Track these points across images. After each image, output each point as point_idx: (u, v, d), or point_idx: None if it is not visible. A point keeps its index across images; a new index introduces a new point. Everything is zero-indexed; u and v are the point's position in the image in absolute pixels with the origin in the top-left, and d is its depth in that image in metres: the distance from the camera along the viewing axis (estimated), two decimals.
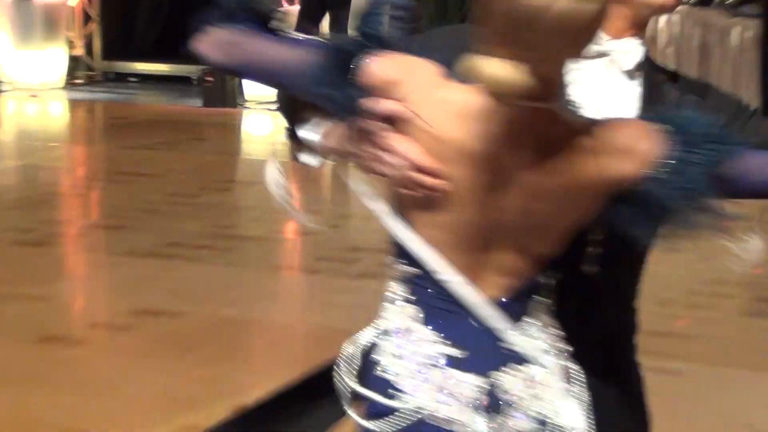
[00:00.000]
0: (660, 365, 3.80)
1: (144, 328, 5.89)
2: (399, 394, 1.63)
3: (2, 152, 10.42)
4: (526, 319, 1.69)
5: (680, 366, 4.42)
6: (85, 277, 7.19)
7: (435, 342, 1.64)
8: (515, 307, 1.66)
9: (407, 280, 1.69)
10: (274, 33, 1.75)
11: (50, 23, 12.26)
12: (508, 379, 1.61)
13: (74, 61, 12.84)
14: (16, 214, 8.02)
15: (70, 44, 12.72)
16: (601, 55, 1.70)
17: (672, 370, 4.17)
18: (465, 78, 1.50)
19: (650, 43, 9.26)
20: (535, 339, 1.69)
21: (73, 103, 12.20)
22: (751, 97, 9.67)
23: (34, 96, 12.10)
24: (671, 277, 5.27)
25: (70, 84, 12.54)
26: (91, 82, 13.11)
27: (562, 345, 1.70)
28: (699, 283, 5.63)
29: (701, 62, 10.08)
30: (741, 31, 10.36)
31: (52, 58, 12.42)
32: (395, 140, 1.57)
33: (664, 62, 9.03)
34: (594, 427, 1.70)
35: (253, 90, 11.01)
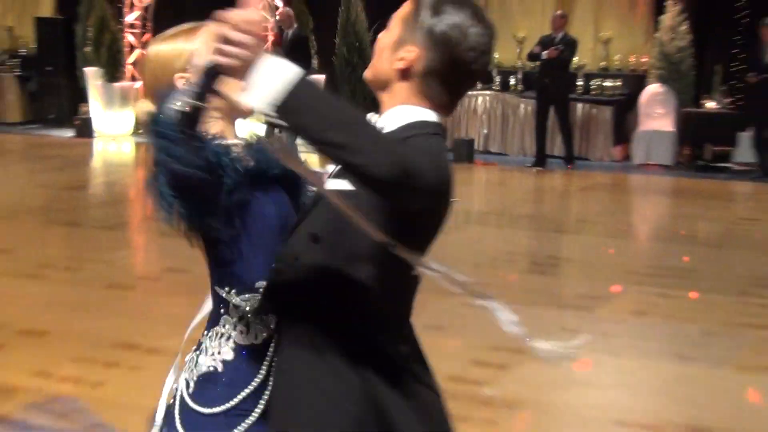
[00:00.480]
0: None
1: (170, 279, 7.38)
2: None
3: (95, 171, 13.49)
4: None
5: None
6: (135, 248, 9.02)
7: None
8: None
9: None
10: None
11: (124, 96, 15.29)
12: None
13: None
14: (100, 209, 10.47)
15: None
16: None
17: None
18: None
19: (471, 114, 13.81)
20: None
21: (137, 145, 14.71)
22: (531, 147, 13.54)
23: (113, 140, 15.33)
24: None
25: (135, 133, 15.07)
26: None
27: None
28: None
29: (503, 125, 14.22)
30: (525, 107, 14.14)
31: (125, 117, 15.33)
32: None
33: (481, 125, 13.58)
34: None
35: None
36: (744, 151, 12.99)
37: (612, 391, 5.32)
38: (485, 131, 14.12)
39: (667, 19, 13.47)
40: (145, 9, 16.14)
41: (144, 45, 15.85)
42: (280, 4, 14.88)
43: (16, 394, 4.82)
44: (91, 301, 6.64)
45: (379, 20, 4.94)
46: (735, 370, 5.63)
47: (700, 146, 13.36)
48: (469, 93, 13.85)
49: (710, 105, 13.51)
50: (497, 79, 14.70)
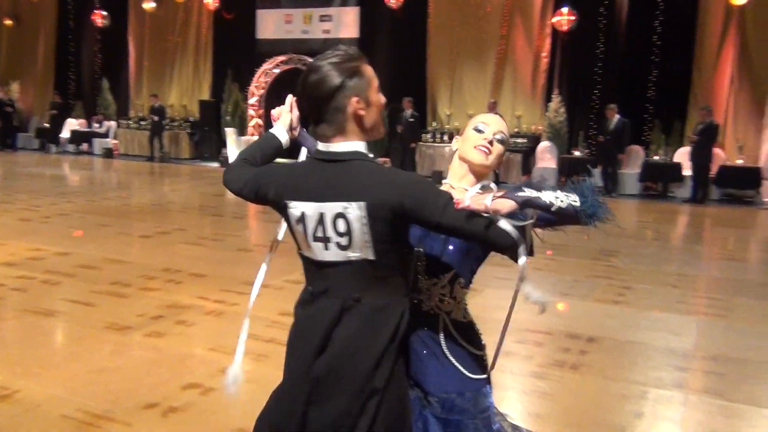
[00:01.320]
0: None
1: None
2: None
3: None
4: None
5: None
6: (252, 228, 9.10)
7: None
8: None
9: None
10: None
11: (246, 143, 16.95)
12: None
13: None
14: (234, 207, 10.36)
15: None
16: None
17: None
18: None
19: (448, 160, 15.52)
20: None
21: None
22: None
23: None
24: None
25: None
26: None
27: None
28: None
29: None
30: None
31: None
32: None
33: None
34: None
35: None
36: (596, 179, 12.62)
37: (523, 314, 6.12)
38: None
39: (553, 104, 14.37)
40: (260, 96, 17.08)
41: (259, 116, 17.02)
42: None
43: (187, 310, 5.17)
44: (228, 258, 6.89)
45: None
46: (594, 302, 5.75)
47: (571, 176, 14.49)
48: (441, 144, 14.65)
49: (577, 153, 14.03)
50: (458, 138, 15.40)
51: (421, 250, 1.90)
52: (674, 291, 6.29)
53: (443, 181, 2.03)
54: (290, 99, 2.04)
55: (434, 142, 15.39)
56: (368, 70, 1.74)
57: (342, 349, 1.71)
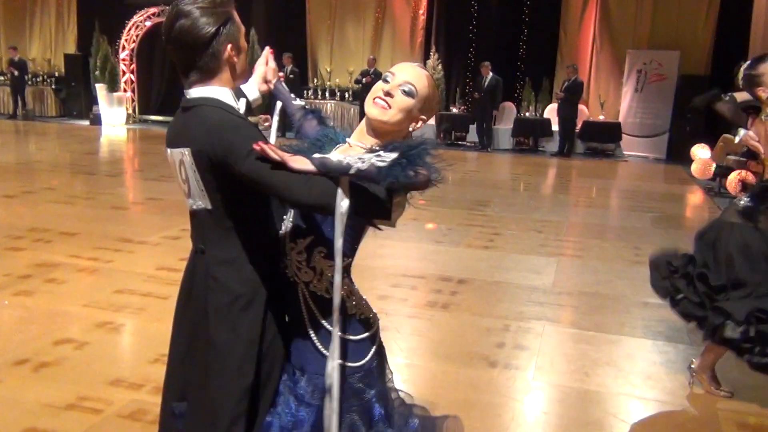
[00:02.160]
0: None
1: (150, 204, 8.50)
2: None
3: (102, 145, 13.01)
4: None
5: None
6: (128, 186, 8.96)
7: None
8: None
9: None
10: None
11: (118, 100, 15.81)
12: None
13: (128, 115, 16.04)
14: (106, 165, 10.05)
15: (127, 108, 16.08)
16: None
17: None
18: None
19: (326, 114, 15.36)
20: None
21: (127, 130, 15.11)
22: None
23: (112, 126, 15.46)
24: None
25: (127, 123, 15.87)
26: (132, 122, 16.01)
27: None
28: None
29: (341, 120, 14.72)
30: (353, 110, 14.52)
31: (118, 113, 15.87)
32: None
33: (332, 121, 15.14)
34: None
35: None
36: (472, 135, 14.02)
37: (400, 260, 5.53)
38: (332, 124, 14.98)
39: (431, 61, 14.45)
40: (132, 50, 16.32)
41: (131, 71, 16.27)
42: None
43: (58, 268, 5.06)
44: (102, 216, 6.78)
45: None
46: (466, 247, 6.03)
47: (449, 133, 14.29)
48: (323, 101, 14.70)
49: (454, 110, 14.40)
50: (337, 94, 15.16)
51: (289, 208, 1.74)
52: (539, 236, 6.70)
53: (347, 140, 1.81)
54: (267, 51, 1.98)
55: (316, 98, 15.31)
56: (236, 16, 1.68)
57: (196, 297, 1.73)
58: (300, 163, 1.51)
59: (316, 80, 15.68)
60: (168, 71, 16.42)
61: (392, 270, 5.20)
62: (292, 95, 2.07)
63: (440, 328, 4.19)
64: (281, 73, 2.16)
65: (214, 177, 1.62)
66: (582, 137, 13.83)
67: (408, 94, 1.70)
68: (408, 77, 1.71)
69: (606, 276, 5.46)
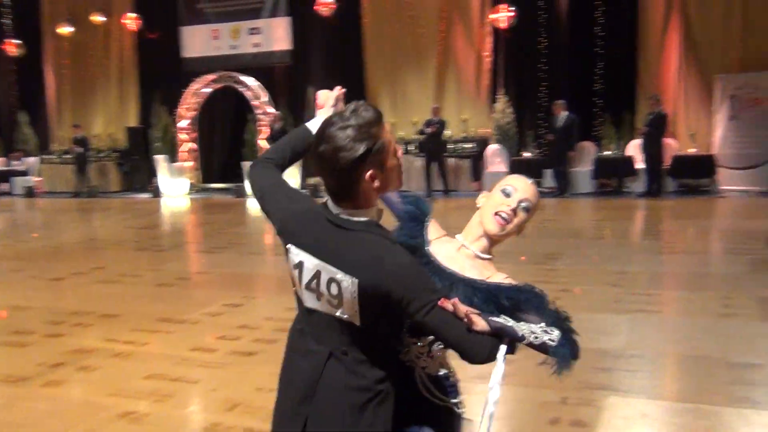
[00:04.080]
0: None
1: (199, 279, 8.51)
2: None
3: (163, 217, 14.17)
4: None
5: None
6: (179, 260, 11.33)
7: None
8: None
9: None
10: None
11: (179, 170, 16.67)
12: None
13: (191, 184, 16.84)
14: (165, 239, 11.00)
15: (190, 178, 16.92)
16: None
17: None
18: None
19: None
20: None
21: (190, 200, 15.90)
22: (423, 185, 13.88)
23: (173, 198, 16.11)
24: None
25: (189, 193, 16.59)
26: (195, 192, 16.66)
27: None
28: None
29: (406, 174, 15.57)
30: (419, 162, 14.79)
31: (179, 183, 16.63)
32: None
33: None
34: None
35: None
36: (548, 180, 13.68)
37: None
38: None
39: (499, 105, 14.68)
40: (191, 118, 17.11)
41: (192, 140, 17.08)
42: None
43: (92, 354, 5.09)
44: (146, 294, 7.01)
45: None
46: None
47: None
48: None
49: (526, 154, 14.42)
50: (402, 147, 15.57)
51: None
52: (613, 290, 6.43)
53: (456, 236, 2.01)
54: (337, 91, 2.06)
55: None
56: (385, 134, 1.70)
57: (326, 396, 1.80)
58: (481, 325, 1.71)
59: None
60: (229, 138, 17.01)
61: None
62: None
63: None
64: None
65: (378, 308, 1.73)
66: (672, 174, 13.37)
67: (526, 210, 1.95)
68: (528, 194, 1.94)
69: (688, 333, 5.12)
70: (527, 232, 1.96)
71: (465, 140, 14.79)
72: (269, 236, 11.42)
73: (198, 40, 17.17)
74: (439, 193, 13.97)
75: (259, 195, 1.93)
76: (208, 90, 16.96)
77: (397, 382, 1.84)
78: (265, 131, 15.84)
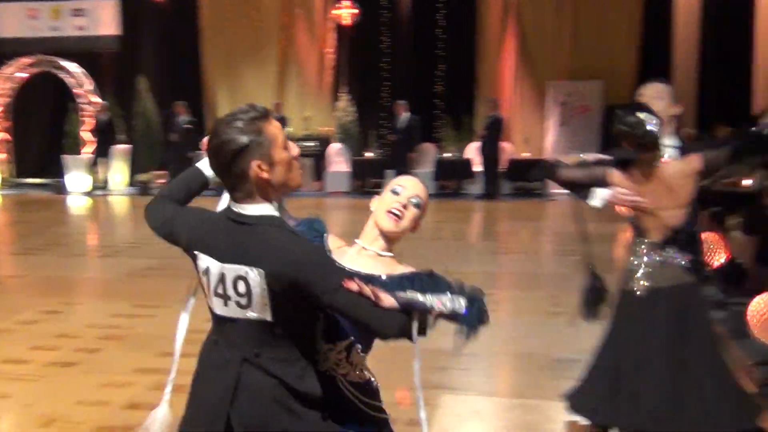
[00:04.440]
0: None
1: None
2: None
3: None
4: None
5: None
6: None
7: None
8: None
9: None
10: None
11: None
12: None
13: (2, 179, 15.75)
14: None
15: (2, 172, 15.83)
16: None
17: None
18: None
19: None
20: None
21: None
22: None
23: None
24: None
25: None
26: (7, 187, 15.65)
27: None
28: None
29: None
30: None
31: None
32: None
33: None
34: None
35: None
36: (388, 181, 14.55)
37: None
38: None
39: (341, 103, 14.73)
40: (5, 105, 15.81)
41: (4, 129, 15.77)
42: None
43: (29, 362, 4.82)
44: None
45: None
46: None
47: (363, 179, 14.22)
48: None
49: (369, 154, 14.47)
50: None
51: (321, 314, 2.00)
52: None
53: (355, 241, 2.14)
54: None
55: None
56: (270, 128, 1.82)
57: (248, 397, 1.87)
58: (389, 301, 1.81)
59: None
60: (47, 129, 16.03)
61: None
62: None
63: None
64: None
65: (288, 295, 1.82)
66: (509, 177, 14.00)
67: (417, 206, 2.10)
68: (416, 191, 2.11)
69: (519, 332, 5.43)
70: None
71: (307, 138, 14.59)
72: (93, 237, 11.02)
73: (12, 19, 15.99)
74: None
75: (165, 226, 2.01)
76: (24, 75, 15.93)
77: (323, 384, 1.94)
78: (89, 122, 15.13)
